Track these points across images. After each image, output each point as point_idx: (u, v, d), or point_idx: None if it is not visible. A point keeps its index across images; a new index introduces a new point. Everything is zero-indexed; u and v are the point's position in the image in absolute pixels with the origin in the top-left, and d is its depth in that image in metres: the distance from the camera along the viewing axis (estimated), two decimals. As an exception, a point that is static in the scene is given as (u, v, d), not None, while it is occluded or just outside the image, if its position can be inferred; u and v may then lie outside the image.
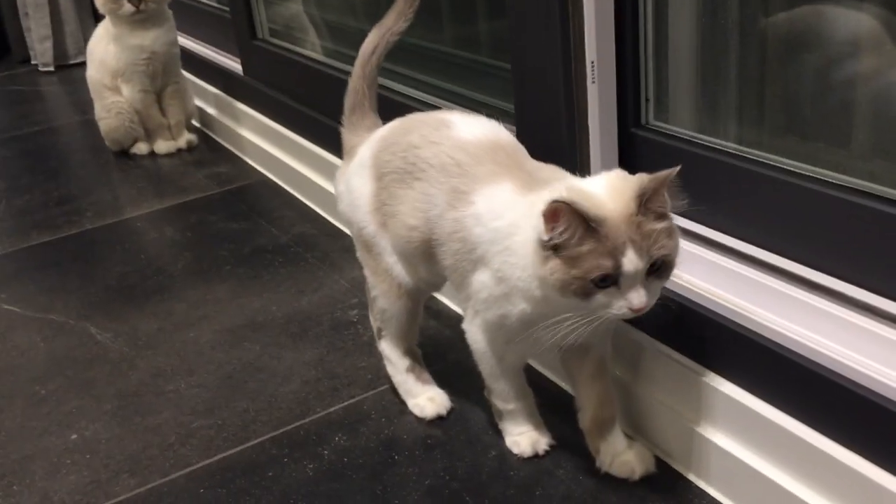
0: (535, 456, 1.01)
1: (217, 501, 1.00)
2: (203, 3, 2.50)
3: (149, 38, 2.09)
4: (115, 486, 1.04)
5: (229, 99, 2.17)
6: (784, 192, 0.91)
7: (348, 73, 1.67)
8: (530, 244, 0.83)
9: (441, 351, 1.22)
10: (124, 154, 2.21)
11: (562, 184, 0.85)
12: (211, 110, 2.30)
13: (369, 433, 1.09)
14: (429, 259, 0.99)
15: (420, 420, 1.09)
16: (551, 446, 1.02)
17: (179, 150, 2.19)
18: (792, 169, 0.92)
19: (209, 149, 2.21)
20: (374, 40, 1.12)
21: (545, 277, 0.81)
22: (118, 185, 2.06)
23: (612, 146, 1.09)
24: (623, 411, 1.01)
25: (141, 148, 2.20)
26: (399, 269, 1.04)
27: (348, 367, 1.22)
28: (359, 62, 1.12)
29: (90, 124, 2.44)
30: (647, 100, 1.09)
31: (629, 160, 1.09)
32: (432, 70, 1.54)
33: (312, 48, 1.94)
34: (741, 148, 0.99)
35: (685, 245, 1.00)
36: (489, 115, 1.28)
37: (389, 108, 1.48)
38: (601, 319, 0.81)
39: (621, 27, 1.05)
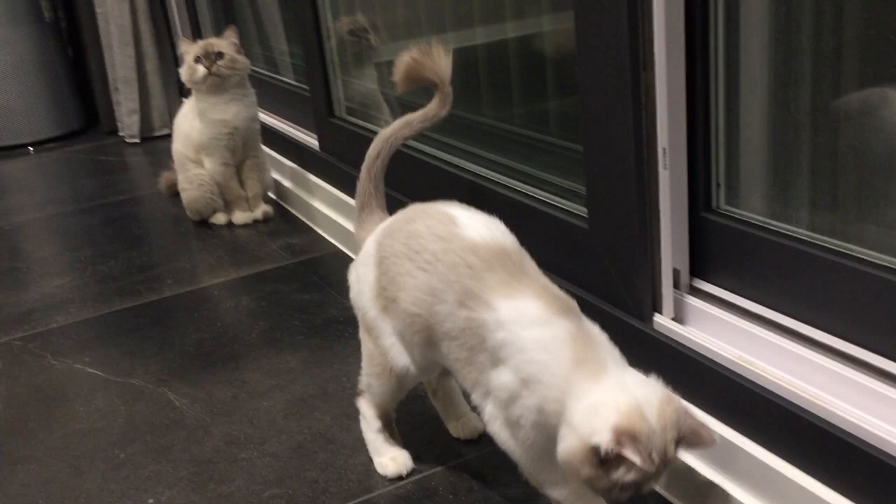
0: None
1: (287, 572, 1.02)
2: (283, 81, 2.62)
3: (230, 114, 2.19)
4: (189, 552, 1.07)
5: (304, 173, 2.26)
6: (856, 279, 0.91)
7: (419, 151, 1.74)
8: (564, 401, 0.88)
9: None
10: (203, 224, 2.31)
11: (629, 395, 0.85)
12: (287, 183, 2.38)
13: (457, 494, 1.09)
14: (428, 345, 1.03)
15: (486, 501, 1.10)
16: None
17: (256, 221, 2.28)
18: (865, 257, 0.92)
19: (284, 220, 2.29)
20: (378, 146, 1.22)
21: (571, 463, 0.86)
22: (197, 253, 2.14)
23: (683, 230, 1.11)
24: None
25: (219, 218, 2.29)
26: (394, 353, 1.08)
27: (417, 440, 1.24)
28: (365, 166, 1.22)
29: (171, 195, 2.56)
30: (718, 185, 1.10)
31: (700, 244, 1.11)
32: (502, 149, 1.58)
33: (386, 126, 2.01)
34: (813, 234, 0.99)
35: (757, 331, 1.01)
36: (560, 195, 1.32)
37: (462, 187, 1.53)
38: None
39: (693, 113, 1.07)
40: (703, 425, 0.88)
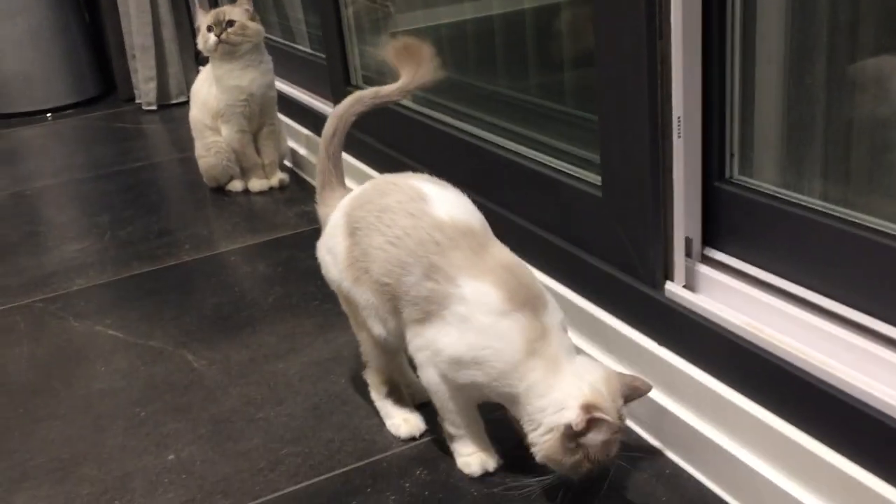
0: (486, 473, 1.10)
1: (303, 526, 1.05)
2: (299, 50, 2.62)
3: (246, 80, 2.20)
4: (208, 506, 1.11)
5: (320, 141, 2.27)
6: (867, 249, 0.92)
7: (434, 119, 1.75)
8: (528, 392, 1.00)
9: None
10: (220, 190, 2.33)
11: (585, 381, 0.99)
12: (303, 151, 2.40)
13: (449, 469, 1.12)
14: (395, 312, 1.09)
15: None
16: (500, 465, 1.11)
17: (272, 189, 2.30)
18: (876, 227, 0.93)
19: (299, 188, 2.31)
20: (333, 124, 1.23)
21: (552, 458, 0.99)
22: (214, 220, 2.16)
23: (696, 199, 1.12)
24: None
25: (236, 185, 2.31)
26: (370, 323, 1.13)
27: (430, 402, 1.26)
28: (322, 145, 1.24)
29: (188, 161, 2.58)
30: (731, 155, 1.11)
31: (712, 213, 1.12)
32: (518, 118, 1.59)
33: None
34: (825, 204, 1.00)
35: (768, 299, 1.02)
36: (574, 164, 1.33)
37: (476, 155, 1.54)
38: None
39: (708, 82, 1.08)
40: (636, 378, 1.05)
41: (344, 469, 1.15)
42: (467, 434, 1.11)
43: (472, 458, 1.10)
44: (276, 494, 1.11)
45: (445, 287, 1.02)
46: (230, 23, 2.12)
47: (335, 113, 1.23)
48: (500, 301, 1.00)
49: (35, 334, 1.62)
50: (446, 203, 1.08)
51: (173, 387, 1.39)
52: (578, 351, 1.06)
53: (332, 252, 1.15)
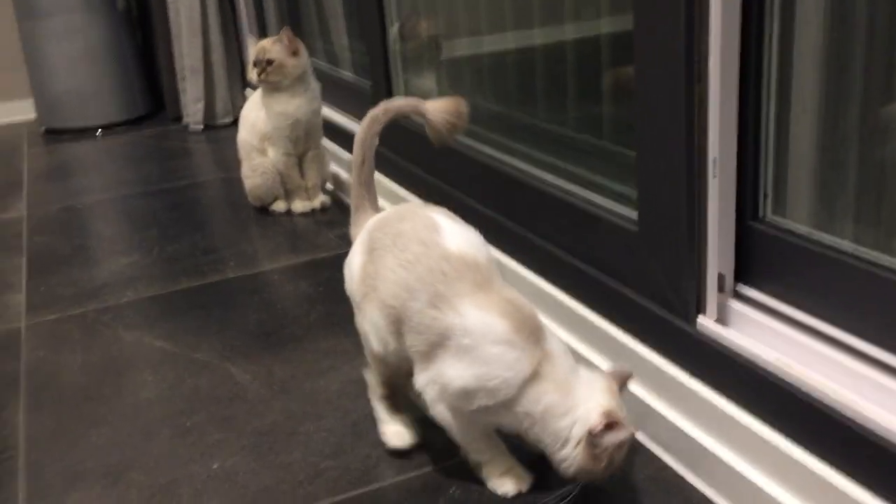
0: (519, 494, 1.14)
1: (341, 537, 1.10)
2: (344, 75, 2.71)
3: (292, 107, 2.28)
4: (251, 514, 1.16)
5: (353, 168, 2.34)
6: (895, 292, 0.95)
7: (471, 148, 1.81)
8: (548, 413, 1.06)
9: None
10: (264, 210, 2.40)
11: (597, 393, 1.07)
12: (345, 175, 2.47)
13: (481, 489, 1.16)
14: (398, 335, 1.13)
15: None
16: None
17: (314, 210, 2.37)
18: (905, 271, 0.96)
19: (340, 211, 2.38)
20: (360, 152, 1.30)
21: (585, 468, 1.05)
22: (257, 239, 2.23)
23: (729, 237, 1.16)
24: (728, 490, 1.06)
25: (279, 206, 2.39)
26: (371, 337, 1.19)
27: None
28: (354, 173, 1.32)
29: (232, 181, 2.67)
30: (765, 195, 1.15)
31: (745, 251, 1.16)
32: (559, 153, 1.64)
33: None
34: (856, 247, 1.03)
35: (797, 336, 1.06)
36: (612, 200, 1.38)
37: (516, 187, 1.59)
38: None
39: (743, 125, 1.12)
40: (620, 370, 1.14)
41: (381, 484, 1.19)
42: (493, 458, 1.15)
43: (504, 478, 1.15)
44: (316, 506, 1.16)
45: (449, 316, 1.07)
46: (269, 62, 2.21)
47: (358, 140, 1.30)
48: (508, 331, 1.05)
49: (87, 343, 1.69)
50: (457, 236, 1.13)
51: (218, 399, 1.45)
52: (577, 358, 1.13)
53: (349, 267, 1.22)
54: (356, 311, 1.24)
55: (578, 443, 1.04)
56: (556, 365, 1.06)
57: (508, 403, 1.05)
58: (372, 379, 1.28)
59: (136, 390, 1.50)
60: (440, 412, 1.12)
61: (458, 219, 1.19)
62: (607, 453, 1.04)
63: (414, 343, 1.11)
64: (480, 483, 1.17)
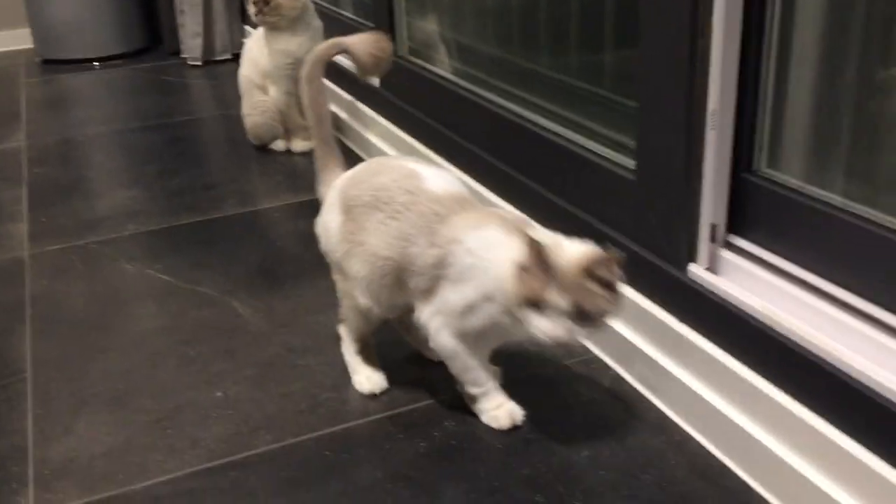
0: (514, 427, 1.19)
1: (341, 464, 1.15)
2: (348, 17, 2.69)
3: (294, 44, 2.28)
4: (254, 439, 1.21)
5: (362, 107, 2.35)
6: (882, 245, 0.99)
7: (471, 92, 1.83)
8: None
9: (523, 363, 1.34)
10: (263, 149, 2.42)
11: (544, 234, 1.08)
12: (344, 115, 2.48)
13: (475, 422, 1.21)
14: (396, 285, 1.18)
15: (525, 414, 1.22)
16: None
17: (313, 150, 2.38)
18: (891, 225, 1.00)
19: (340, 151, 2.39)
20: (315, 113, 1.35)
21: (511, 290, 1.05)
22: (257, 176, 2.26)
23: (723, 189, 1.19)
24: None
25: (279, 145, 2.40)
26: (357, 293, 1.23)
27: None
28: (314, 134, 1.37)
29: (231, 118, 2.68)
30: (760, 148, 1.18)
31: (738, 202, 1.19)
32: (559, 100, 1.66)
33: (442, 66, 2.10)
34: (846, 201, 1.07)
35: (785, 286, 1.10)
36: (611, 149, 1.41)
37: (515, 133, 1.61)
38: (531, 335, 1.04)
39: (743, 79, 1.15)
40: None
41: (378, 416, 1.24)
42: (488, 391, 1.20)
43: (499, 411, 1.20)
44: (316, 434, 1.21)
45: (450, 247, 1.12)
46: (266, 2, 2.20)
47: (306, 103, 1.35)
48: (500, 235, 1.09)
49: (90, 274, 1.73)
50: (438, 178, 1.19)
51: (220, 331, 1.50)
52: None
53: (325, 227, 1.27)
54: (334, 269, 1.28)
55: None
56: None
57: (510, 308, 1.06)
58: (346, 336, 1.33)
59: (141, 321, 1.54)
60: (444, 340, 1.16)
61: (428, 164, 1.24)
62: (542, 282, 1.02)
63: (417, 284, 1.15)
64: (473, 416, 1.22)
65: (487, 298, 1.09)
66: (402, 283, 1.18)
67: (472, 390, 1.21)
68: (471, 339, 1.15)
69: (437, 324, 1.16)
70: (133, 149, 2.51)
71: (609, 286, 1.02)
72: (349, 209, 1.22)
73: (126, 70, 3.49)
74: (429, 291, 1.16)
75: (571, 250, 1.03)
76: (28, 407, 1.31)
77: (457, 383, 1.22)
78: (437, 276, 1.14)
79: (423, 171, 1.20)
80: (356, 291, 1.23)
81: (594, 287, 1.01)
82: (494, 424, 1.20)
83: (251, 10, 2.24)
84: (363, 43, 1.34)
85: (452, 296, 1.13)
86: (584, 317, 1.01)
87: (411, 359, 1.38)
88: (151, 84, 3.27)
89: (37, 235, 1.92)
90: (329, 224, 1.26)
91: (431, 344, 1.19)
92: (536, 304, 1.02)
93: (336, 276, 1.29)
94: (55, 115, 2.93)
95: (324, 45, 1.35)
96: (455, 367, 1.19)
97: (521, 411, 1.20)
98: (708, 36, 1.11)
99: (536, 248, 1.01)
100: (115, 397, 1.32)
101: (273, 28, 2.26)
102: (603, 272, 1.01)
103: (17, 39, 3.97)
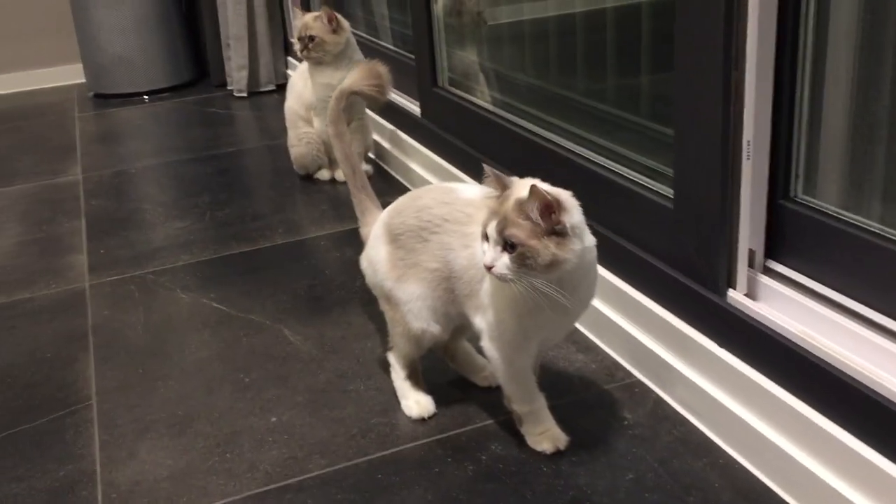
0: (557, 451, 1.22)
1: (393, 488, 1.19)
2: (390, 49, 2.77)
3: (336, 78, 2.35)
4: (308, 463, 1.26)
5: (404, 136, 2.41)
6: (918, 272, 1.01)
7: (512, 123, 1.87)
8: None
9: (572, 387, 1.38)
10: (308, 178, 2.49)
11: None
12: (386, 145, 2.55)
13: (522, 446, 1.25)
14: (448, 297, 1.23)
15: (569, 438, 1.25)
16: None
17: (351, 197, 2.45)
18: (927, 252, 1.02)
19: (382, 180, 2.46)
20: (349, 165, 1.45)
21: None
22: (303, 206, 2.32)
23: (761, 215, 1.22)
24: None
25: (323, 174, 2.48)
26: (410, 318, 1.28)
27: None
28: (350, 183, 1.47)
29: (277, 148, 2.76)
30: (797, 175, 1.21)
31: (776, 228, 1.22)
32: (596, 129, 1.70)
33: (482, 97, 2.15)
34: (883, 227, 1.09)
35: (823, 311, 1.12)
36: (648, 177, 1.44)
37: (554, 162, 1.65)
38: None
39: (778, 109, 1.18)
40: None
41: (427, 440, 1.29)
42: (536, 411, 1.23)
43: (542, 436, 1.23)
44: (367, 458, 1.26)
45: (478, 247, 1.14)
46: (311, 38, 2.29)
47: (340, 158, 1.46)
48: None
49: (148, 303, 1.80)
50: (472, 188, 1.25)
51: (273, 358, 1.55)
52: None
53: (371, 261, 1.33)
54: (383, 302, 1.34)
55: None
56: None
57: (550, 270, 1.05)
58: (395, 363, 1.37)
59: (197, 348, 1.61)
60: (493, 348, 1.19)
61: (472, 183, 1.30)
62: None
63: (460, 289, 1.21)
64: (520, 441, 1.26)
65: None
66: (453, 294, 1.23)
67: (521, 408, 1.24)
68: (520, 335, 1.17)
69: (485, 327, 1.20)
70: (183, 180, 2.61)
71: (533, 220, 1.03)
72: (395, 238, 1.28)
73: (174, 102, 3.61)
74: (472, 295, 1.20)
75: (524, 189, 1.06)
76: (94, 433, 1.38)
77: (505, 399, 1.26)
78: (473, 276, 1.18)
79: (458, 186, 1.27)
80: (409, 317, 1.28)
81: (520, 219, 1.04)
82: (538, 448, 1.23)
83: (296, 46, 2.32)
84: (361, 79, 1.46)
85: (486, 299, 1.16)
86: (512, 248, 1.04)
87: (456, 383, 1.42)
88: (199, 116, 3.37)
89: (96, 266, 2.01)
90: (376, 257, 1.32)
91: (485, 348, 1.21)
92: (485, 235, 1.08)
93: (385, 307, 1.34)
94: (108, 147, 3.04)
95: (332, 101, 1.46)
96: (506, 381, 1.22)
97: (565, 437, 1.23)
98: (742, 68, 1.14)
99: (501, 187, 1.09)
100: (176, 423, 1.38)
101: (317, 63, 2.34)
102: (528, 206, 1.03)
103: (70, 74, 4.12)
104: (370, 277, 1.36)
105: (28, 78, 4.16)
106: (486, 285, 1.17)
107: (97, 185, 2.62)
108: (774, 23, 1.13)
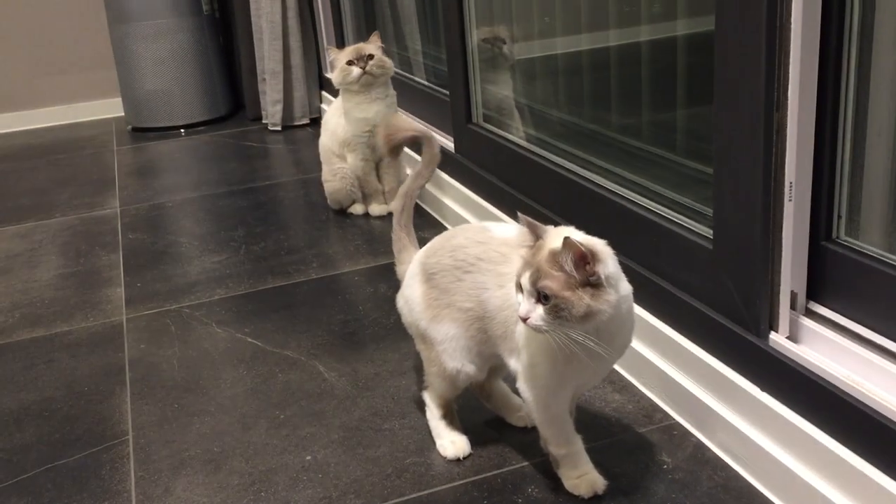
0: (595, 496, 1.21)
1: (427, 529, 1.18)
2: (423, 85, 2.79)
3: (372, 112, 2.38)
4: (343, 503, 1.25)
5: (437, 171, 2.42)
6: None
7: (546, 160, 1.87)
8: None
9: (611, 428, 1.36)
10: (342, 212, 2.51)
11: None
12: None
13: (559, 488, 1.23)
14: (482, 336, 1.22)
15: (607, 482, 1.23)
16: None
17: (390, 214, 2.46)
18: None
19: (416, 215, 2.44)
20: (402, 202, 1.44)
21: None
22: (337, 241, 2.34)
23: (803, 257, 1.20)
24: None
25: (357, 209, 2.49)
26: (445, 357, 1.28)
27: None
28: (395, 220, 1.46)
29: (310, 182, 2.79)
30: (839, 217, 1.20)
31: (818, 270, 1.20)
32: (634, 167, 1.70)
33: (516, 133, 2.16)
34: (929, 271, 1.07)
35: (867, 354, 1.10)
36: (687, 216, 1.43)
37: (590, 200, 1.65)
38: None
39: (820, 150, 1.17)
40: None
41: (462, 482, 1.27)
42: (573, 454, 1.22)
43: (580, 480, 1.22)
44: (402, 499, 1.25)
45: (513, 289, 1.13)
46: (370, 56, 2.31)
47: (401, 192, 1.45)
48: None
49: (184, 337, 1.82)
50: (506, 228, 1.26)
51: (307, 394, 1.55)
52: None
53: (408, 300, 1.33)
54: (419, 341, 1.34)
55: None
56: None
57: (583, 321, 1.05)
58: (431, 402, 1.37)
59: (232, 384, 1.61)
60: (528, 391, 1.18)
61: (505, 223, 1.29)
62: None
63: (494, 330, 1.21)
64: (557, 484, 1.24)
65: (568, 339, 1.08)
66: (487, 335, 1.23)
67: (557, 451, 1.23)
68: (555, 381, 1.16)
69: (521, 370, 1.19)
70: (219, 213, 2.64)
71: (566, 271, 1.03)
72: (430, 277, 1.28)
73: (210, 136, 3.67)
74: (506, 337, 1.20)
75: (557, 239, 1.05)
76: (131, 468, 1.38)
77: (542, 441, 1.24)
78: (508, 318, 1.18)
79: (492, 226, 1.27)
80: (444, 356, 1.28)
81: (553, 270, 1.03)
82: (576, 493, 1.21)
83: (351, 70, 2.32)
84: (385, 138, 1.48)
85: (526, 350, 1.15)
86: (546, 299, 1.03)
87: (492, 423, 1.41)
88: (234, 149, 3.42)
89: (133, 300, 2.03)
90: (412, 296, 1.32)
91: (520, 390, 1.20)
92: (519, 286, 1.07)
93: (420, 346, 1.34)
94: (145, 181, 3.09)
95: (396, 207, 1.46)
96: (542, 423, 1.21)
97: (603, 482, 1.21)
98: (783, 109, 1.13)
99: (535, 236, 1.09)
100: (211, 459, 1.39)
101: (366, 88, 2.35)
102: (561, 257, 1.02)
103: (110, 108, 4.21)
104: (406, 316, 1.36)
105: (68, 112, 4.26)
106: (521, 327, 1.16)
107: (134, 218, 2.66)
108: (816, 64, 1.12)
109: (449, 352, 1.27)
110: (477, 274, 1.22)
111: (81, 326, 1.92)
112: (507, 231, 1.25)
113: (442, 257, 1.27)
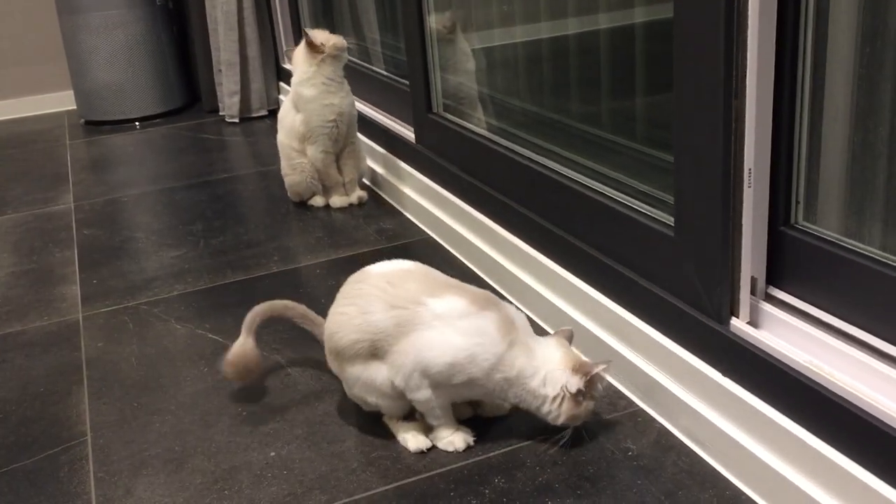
0: (468, 447, 1.31)
1: (395, 523, 1.18)
2: (381, 74, 2.77)
3: (337, 98, 2.35)
4: (308, 500, 1.24)
5: (398, 161, 2.41)
6: (923, 300, 1.01)
7: (508, 149, 1.87)
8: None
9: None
10: (302, 205, 2.48)
11: (555, 351, 1.28)
12: (380, 170, 2.54)
13: (525, 478, 1.24)
14: (372, 356, 1.29)
15: (572, 470, 1.24)
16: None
17: (351, 205, 2.45)
18: (932, 280, 1.02)
19: (377, 205, 2.45)
20: (264, 312, 1.53)
21: (576, 417, 1.27)
22: (297, 234, 2.31)
23: (762, 242, 1.22)
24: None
25: (318, 201, 2.47)
26: (365, 394, 1.35)
27: (506, 417, 1.38)
28: (291, 317, 1.56)
29: (270, 175, 2.76)
30: (797, 202, 1.21)
31: (777, 255, 1.22)
32: (595, 155, 1.70)
33: (478, 123, 2.15)
34: (884, 253, 1.09)
35: (827, 339, 1.12)
36: (648, 204, 1.44)
37: (552, 188, 1.65)
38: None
39: (777, 137, 1.18)
40: (565, 331, 1.34)
41: (429, 474, 1.27)
42: (447, 420, 1.32)
43: (454, 436, 1.32)
44: (369, 493, 1.24)
45: (413, 308, 1.24)
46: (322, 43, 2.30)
47: (269, 307, 1.54)
48: (467, 305, 1.24)
49: (143, 334, 1.78)
50: (384, 265, 1.36)
51: (270, 390, 1.54)
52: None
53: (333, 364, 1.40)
54: (345, 385, 1.40)
55: (557, 399, 1.23)
56: (519, 330, 1.25)
57: (490, 369, 1.22)
58: (386, 420, 1.40)
59: (193, 381, 1.59)
60: (424, 395, 1.27)
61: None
62: (591, 396, 1.25)
63: (383, 345, 1.27)
64: (523, 473, 1.24)
65: (471, 361, 1.23)
66: (377, 352, 1.29)
67: (433, 422, 1.31)
68: (449, 388, 1.27)
69: (415, 381, 1.27)
70: (176, 207, 2.59)
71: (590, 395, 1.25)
72: (331, 336, 1.36)
73: (166, 129, 3.60)
74: (396, 340, 1.26)
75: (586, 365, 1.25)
76: (90, 470, 1.35)
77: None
78: (398, 335, 1.24)
79: (372, 266, 1.37)
80: (367, 396, 1.34)
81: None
82: (450, 448, 1.31)
83: (332, 38, 2.34)
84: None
85: (428, 353, 1.23)
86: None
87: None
88: (191, 142, 3.36)
89: (89, 297, 1.99)
90: (332, 365, 1.41)
91: (409, 396, 1.29)
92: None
93: (348, 392, 1.41)
94: (100, 175, 3.03)
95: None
96: (426, 409, 1.30)
97: (472, 433, 1.32)
98: (742, 97, 1.14)
99: (591, 377, 1.24)
100: (173, 458, 1.36)
101: (330, 71, 2.34)
102: (593, 386, 1.25)
103: (61, 101, 4.12)
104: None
105: (18, 105, 4.15)
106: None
107: (89, 213, 2.60)
108: (773, 51, 1.13)
109: (357, 389, 1.34)
110: (358, 304, 1.30)
111: (36, 325, 1.87)
112: (381, 266, 1.35)
113: (332, 310, 1.36)
